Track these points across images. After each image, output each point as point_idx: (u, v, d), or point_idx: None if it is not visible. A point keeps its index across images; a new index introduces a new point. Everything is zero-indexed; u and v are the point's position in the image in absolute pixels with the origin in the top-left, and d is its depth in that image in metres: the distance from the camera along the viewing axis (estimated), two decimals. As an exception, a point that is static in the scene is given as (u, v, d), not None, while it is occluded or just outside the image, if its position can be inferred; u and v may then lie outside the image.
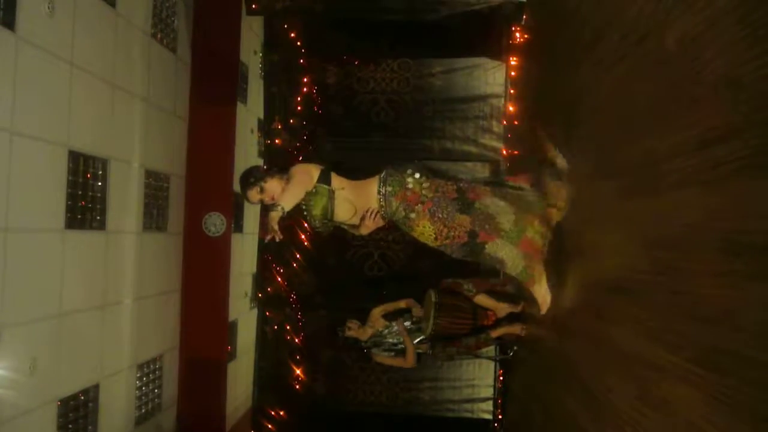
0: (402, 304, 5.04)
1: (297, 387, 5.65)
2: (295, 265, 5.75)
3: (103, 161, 5.09)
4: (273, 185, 3.26)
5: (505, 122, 5.68)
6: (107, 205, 5.15)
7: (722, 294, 1.64)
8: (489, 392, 5.70)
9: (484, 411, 5.72)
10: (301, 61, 5.72)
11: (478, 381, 5.72)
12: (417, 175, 3.33)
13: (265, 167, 3.57)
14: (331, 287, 5.57)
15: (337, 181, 3.39)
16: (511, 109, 5.58)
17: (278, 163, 5.73)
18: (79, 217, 4.77)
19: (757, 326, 1.47)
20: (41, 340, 4.34)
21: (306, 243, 5.65)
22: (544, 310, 3.48)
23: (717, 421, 1.61)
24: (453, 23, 5.34)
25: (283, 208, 3.06)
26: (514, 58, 5.54)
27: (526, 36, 5.25)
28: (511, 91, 5.61)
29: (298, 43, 5.69)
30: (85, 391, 4.92)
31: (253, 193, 3.28)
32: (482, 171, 5.75)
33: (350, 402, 5.79)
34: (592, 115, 2.97)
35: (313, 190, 3.30)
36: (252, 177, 3.29)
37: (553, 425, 3.51)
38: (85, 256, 4.91)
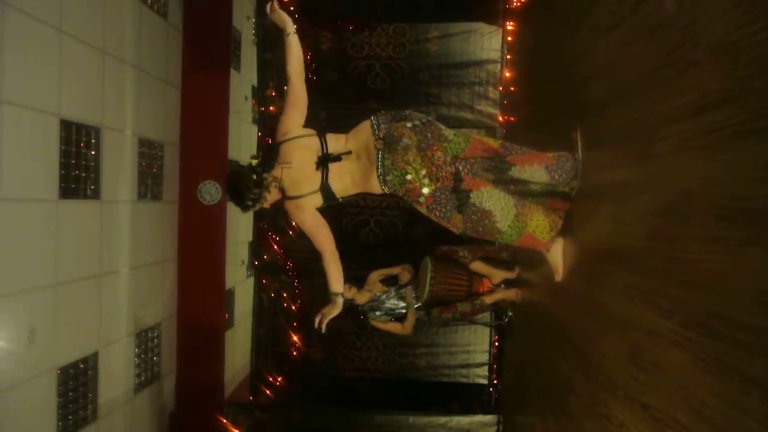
0: (398, 269, 5.08)
1: (294, 353, 5.71)
2: (290, 232, 5.76)
3: (96, 129, 5.04)
4: (273, 194, 2.99)
5: (501, 88, 5.64)
6: (101, 174, 5.12)
7: (716, 259, 1.64)
8: (484, 358, 5.78)
9: (480, 376, 5.81)
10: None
11: (473, 346, 5.79)
12: (416, 163, 2.92)
13: (252, 168, 2.97)
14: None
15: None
16: (507, 74, 5.54)
17: (273, 128, 5.69)
18: (73, 186, 4.74)
19: (750, 291, 1.48)
20: (39, 309, 4.36)
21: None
22: (558, 276, 3.17)
23: (708, 385, 1.64)
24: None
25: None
26: (511, 23, 5.48)
27: (522, 0, 5.18)
28: (508, 57, 5.56)
29: (291, 8, 5.60)
30: (84, 360, 4.96)
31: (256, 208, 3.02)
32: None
33: (347, 368, 5.87)
34: (588, 80, 2.95)
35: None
36: (249, 196, 2.93)
37: (547, 389, 3.56)
38: (80, 225, 4.90)
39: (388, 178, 2.96)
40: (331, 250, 3.04)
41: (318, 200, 3.03)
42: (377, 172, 2.96)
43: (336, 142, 3.08)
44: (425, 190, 2.96)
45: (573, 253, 3.06)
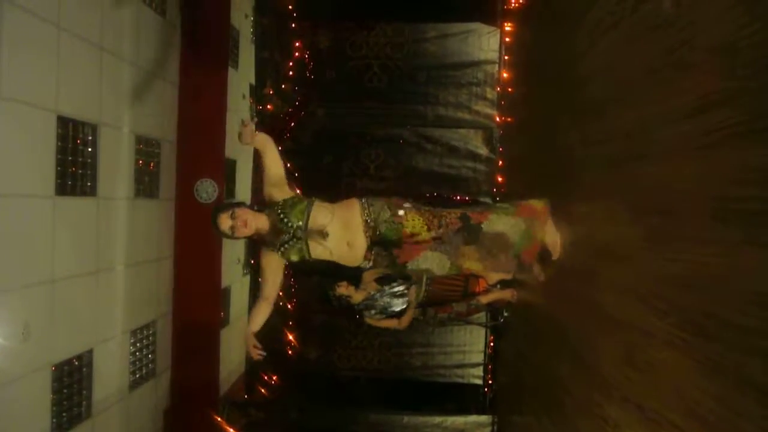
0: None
1: (290, 352, 5.70)
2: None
3: (93, 126, 5.03)
4: (245, 211, 3.26)
5: (498, 89, 5.64)
6: (98, 171, 5.10)
7: (711, 261, 1.65)
8: (480, 358, 5.78)
9: (475, 376, 5.81)
10: (293, 25, 5.64)
11: (468, 347, 5.79)
12: (411, 214, 3.18)
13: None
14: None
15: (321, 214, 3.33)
16: (505, 75, 5.54)
17: (271, 126, 5.70)
18: (69, 183, 4.72)
19: (746, 292, 1.48)
20: (34, 306, 4.34)
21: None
22: (556, 254, 3.26)
23: (702, 386, 1.64)
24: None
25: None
26: (509, 24, 5.49)
27: (521, 1, 5.18)
28: (506, 58, 5.56)
29: (290, 7, 5.61)
30: (79, 357, 4.94)
31: (224, 218, 3.26)
32: (475, 138, 5.72)
33: (342, 367, 5.86)
34: (587, 81, 2.95)
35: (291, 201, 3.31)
36: (226, 206, 3.33)
37: (542, 389, 3.56)
38: (77, 222, 4.89)
39: (371, 202, 3.23)
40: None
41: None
42: (363, 200, 3.26)
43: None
44: (431, 234, 3.15)
45: (569, 253, 3.06)
